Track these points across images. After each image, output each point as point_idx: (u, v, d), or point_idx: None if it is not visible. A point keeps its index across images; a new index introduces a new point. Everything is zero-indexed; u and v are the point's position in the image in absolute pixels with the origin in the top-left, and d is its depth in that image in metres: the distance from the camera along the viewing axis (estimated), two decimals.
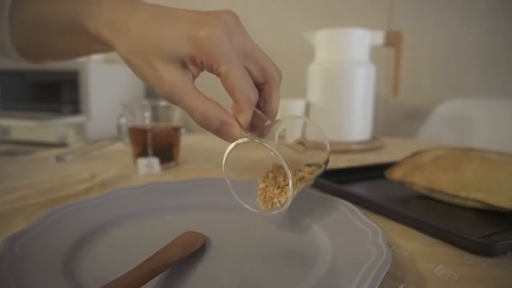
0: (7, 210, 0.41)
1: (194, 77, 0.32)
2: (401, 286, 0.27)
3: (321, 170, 0.36)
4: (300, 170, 0.33)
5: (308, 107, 0.92)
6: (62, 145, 1.45)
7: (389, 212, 0.41)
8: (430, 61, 1.40)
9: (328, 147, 0.36)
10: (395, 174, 0.50)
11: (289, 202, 0.31)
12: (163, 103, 0.64)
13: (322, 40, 0.90)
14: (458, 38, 1.35)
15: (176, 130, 0.66)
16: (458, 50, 1.36)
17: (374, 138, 0.96)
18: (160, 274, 0.27)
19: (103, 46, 0.35)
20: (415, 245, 0.34)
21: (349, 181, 0.55)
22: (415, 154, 0.52)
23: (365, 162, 0.71)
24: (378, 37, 0.90)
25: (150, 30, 0.30)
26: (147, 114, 0.63)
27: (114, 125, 0.72)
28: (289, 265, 0.30)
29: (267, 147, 0.29)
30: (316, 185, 0.52)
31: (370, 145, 0.87)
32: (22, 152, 1.37)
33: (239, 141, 0.31)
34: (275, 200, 0.33)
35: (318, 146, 0.36)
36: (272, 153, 0.29)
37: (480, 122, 1.13)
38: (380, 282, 0.24)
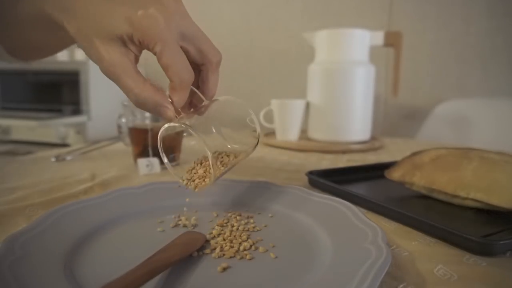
0: (7, 210, 0.41)
1: (137, 58, 0.34)
2: (401, 286, 0.27)
3: (248, 154, 0.40)
4: (227, 155, 0.37)
5: (308, 107, 0.92)
6: (63, 145, 1.45)
7: (389, 212, 0.41)
8: (430, 61, 1.40)
9: (258, 130, 0.39)
10: (395, 174, 0.50)
11: (211, 180, 0.35)
12: None
13: (322, 40, 0.90)
14: (458, 38, 1.35)
15: None
16: (458, 50, 1.36)
17: (373, 138, 0.96)
18: (160, 274, 0.27)
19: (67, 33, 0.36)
20: (414, 245, 0.34)
21: (349, 181, 0.55)
22: (415, 154, 0.52)
23: (365, 162, 0.71)
24: (378, 37, 0.90)
25: (93, 11, 0.32)
26: (148, 114, 0.63)
27: (114, 125, 0.72)
28: (289, 265, 0.30)
29: (189, 130, 0.33)
30: (316, 185, 0.52)
31: (369, 145, 0.87)
32: (23, 152, 1.37)
33: (166, 125, 0.34)
34: (197, 181, 0.37)
35: (249, 129, 0.39)
36: (194, 135, 0.33)
37: (480, 122, 1.13)
38: (379, 282, 0.24)
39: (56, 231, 0.33)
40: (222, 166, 0.36)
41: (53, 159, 0.69)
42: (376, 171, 0.56)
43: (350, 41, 0.87)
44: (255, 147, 0.40)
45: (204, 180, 0.36)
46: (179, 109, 0.34)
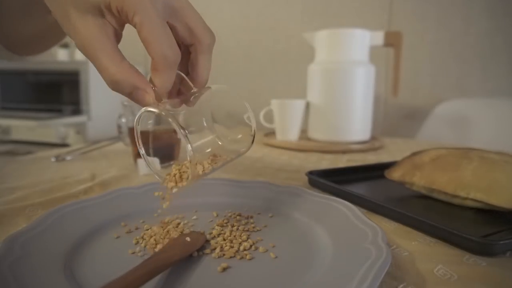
0: (7, 210, 0.41)
1: (117, 34, 0.30)
2: (401, 286, 0.27)
3: (242, 153, 0.36)
4: (214, 155, 0.33)
5: (308, 107, 0.92)
6: (63, 145, 1.45)
7: (389, 212, 0.41)
8: (430, 61, 1.40)
9: (254, 127, 0.35)
10: (395, 174, 0.50)
11: (190, 180, 0.31)
12: None
13: (322, 41, 0.90)
14: (458, 38, 1.35)
15: None
16: (458, 50, 1.36)
17: (373, 138, 0.96)
18: (160, 274, 0.27)
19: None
20: (414, 245, 0.34)
21: (349, 181, 0.55)
22: (415, 154, 0.52)
23: (365, 162, 0.71)
24: (378, 37, 0.90)
25: None
26: None
27: (114, 125, 0.72)
28: (289, 265, 0.30)
29: (169, 119, 0.28)
30: (316, 185, 0.52)
31: (369, 145, 0.87)
32: (23, 152, 1.37)
33: (142, 110, 0.29)
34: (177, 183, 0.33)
35: (244, 124, 0.35)
36: (174, 125, 0.28)
37: (480, 122, 1.13)
38: (379, 282, 0.24)
39: (56, 231, 0.33)
40: (208, 165, 0.32)
41: (53, 159, 0.69)
42: (376, 171, 0.56)
43: (350, 41, 0.87)
44: (250, 145, 0.36)
45: (180, 180, 0.33)
46: (165, 98, 0.30)
